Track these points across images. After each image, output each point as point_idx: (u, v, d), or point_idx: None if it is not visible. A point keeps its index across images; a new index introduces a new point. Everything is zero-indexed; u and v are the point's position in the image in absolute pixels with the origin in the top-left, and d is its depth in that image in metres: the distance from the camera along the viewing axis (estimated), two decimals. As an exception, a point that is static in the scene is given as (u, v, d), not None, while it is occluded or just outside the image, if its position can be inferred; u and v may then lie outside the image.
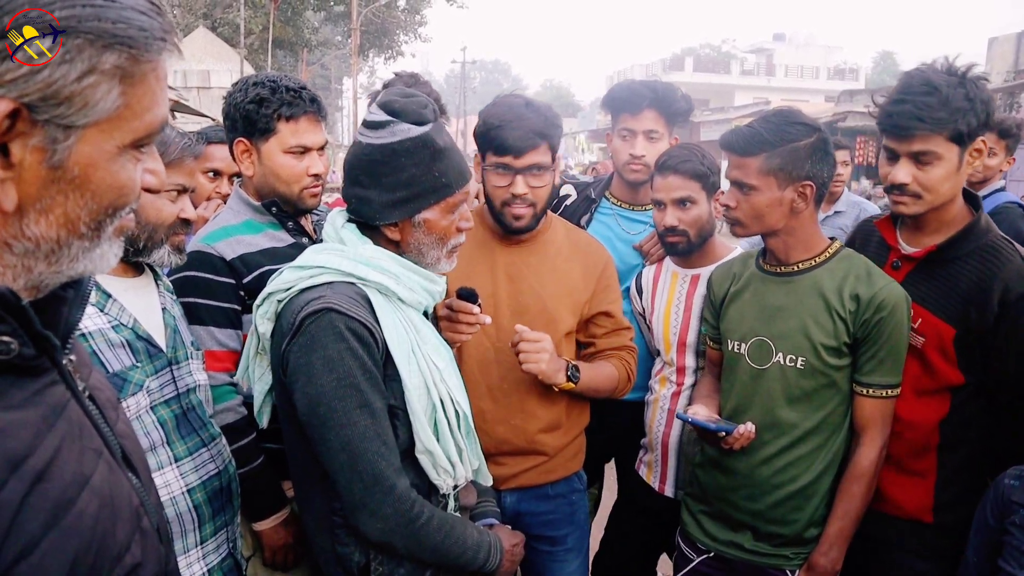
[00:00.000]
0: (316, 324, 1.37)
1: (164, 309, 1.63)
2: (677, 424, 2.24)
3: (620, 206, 2.56)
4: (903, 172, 1.72)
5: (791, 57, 51.99)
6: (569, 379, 1.90)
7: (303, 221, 1.99)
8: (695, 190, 2.13)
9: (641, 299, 2.39)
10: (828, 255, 1.86)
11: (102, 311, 1.47)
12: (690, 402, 2.17)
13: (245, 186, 1.97)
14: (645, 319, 2.39)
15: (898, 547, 1.85)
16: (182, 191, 1.62)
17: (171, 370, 1.57)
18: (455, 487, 1.59)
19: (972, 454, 1.79)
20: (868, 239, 2.00)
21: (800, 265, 1.86)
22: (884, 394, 1.78)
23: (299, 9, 27.42)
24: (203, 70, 18.29)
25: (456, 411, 1.55)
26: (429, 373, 1.49)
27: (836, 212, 4.65)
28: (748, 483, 1.88)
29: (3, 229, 0.67)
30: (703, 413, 1.89)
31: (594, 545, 2.60)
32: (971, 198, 1.83)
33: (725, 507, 1.94)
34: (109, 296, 1.49)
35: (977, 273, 1.71)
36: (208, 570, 1.60)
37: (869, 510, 1.84)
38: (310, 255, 1.51)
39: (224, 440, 1.70)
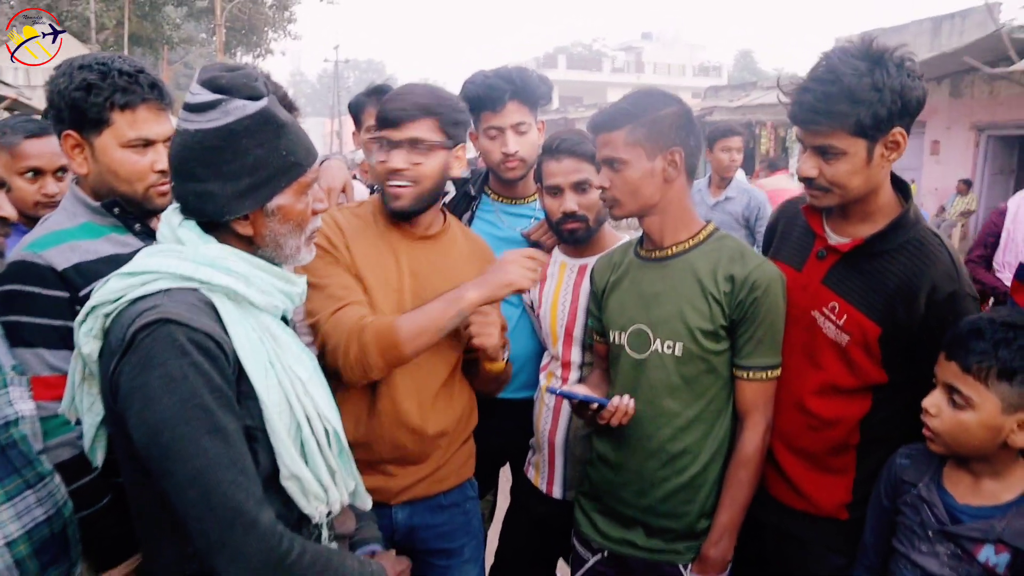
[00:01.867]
0: (151, 338, 1.17)
1: None
2: (564, 421, 2.18)
3: (501, 201, 2.47)
4: (808, 165, 1.66)
5: (659, 55, 54.04)
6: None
7: (153, 222, 1.74)
8: (592, 172, 2.05)
9: (530, 291, 2.31)
10: (702, 237, 1.84)
11: None
12: None
13: (82, 184, 1.72)
14: (534, 311, 2.31)
15: (816, 544, 1.81)
16: None
17: None
18: (328, 514, 1.41)
19: (891, 452, 1.74)
20: (792, 223, 1.92)
21: (675, 248, 1.84)
22: (764, 376, 1.78)
23: (158, 3, 25.87)
24: (48, 67, 16.89)
25: (325, 428, 1.38)
26: (291, 387, 1.32)
27: (727, 198, 4.78)
28: (637, 478, 1.84)
29: None
30: (581, 389, 1.82)
31: (492, 555, 2.51)
32: (901, 186, 1.76)
33: (616, 504, 1.89)
34: None
35: (905, 270, 1.65)
36: None
37: (787, 508, 1.82)
38: (141, 259, 1.30)
39: (56, 479, 1.46)
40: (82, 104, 1.59)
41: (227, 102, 1.27)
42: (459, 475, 2.01)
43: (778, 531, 1.85)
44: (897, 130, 1.59)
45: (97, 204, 1.68)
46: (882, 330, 1.67)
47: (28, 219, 2.24)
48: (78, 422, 1.41)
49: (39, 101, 14.30)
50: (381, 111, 1.82)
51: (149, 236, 1.72)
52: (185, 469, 1.17)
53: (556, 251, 2.30)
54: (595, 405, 1.76)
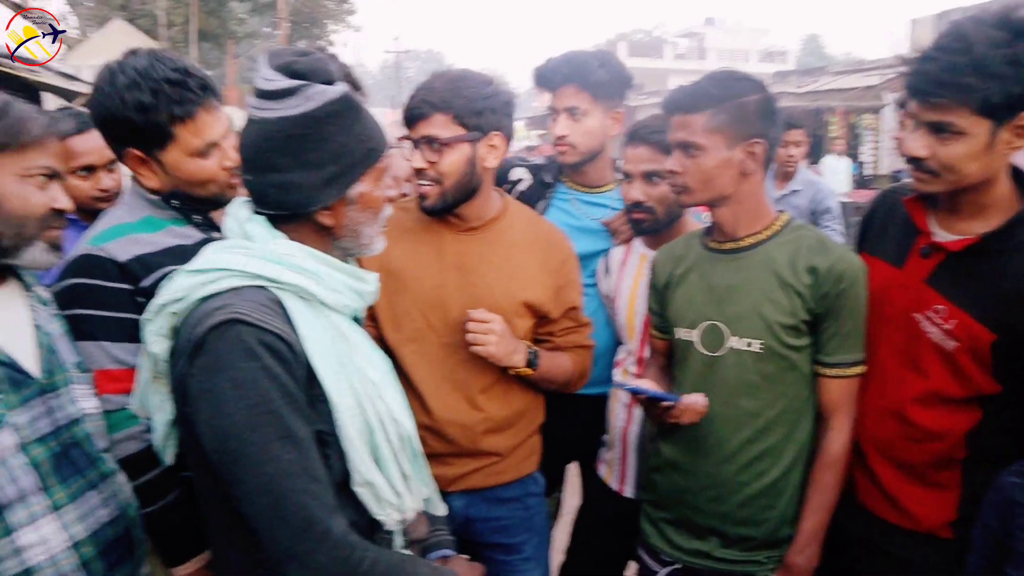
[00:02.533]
0: (221, 340, 1.12)
1: (37, 326, 1.36)
2: (638, 418, 2.09)
3: (578, 189, 2.37)
4: (919, 144, 1.48)
5: (722, 41, 52.85)
6: (529, 363, 1.77)
7: (213, 214, 1.71)
8: (662, 163, 1.94)
9: (608, 281, 2.23)
10: (778, 227, 1.72)
11: None
12: None
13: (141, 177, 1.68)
14: (612, 302, 2.23)
15: (916, 562, 1.65)
16: (51, 176, 1.34)
17: (45, 400, 1.31)
18: (402, 521, 1.35)
19: (1003, 468, 1.56)
20: (891, 215, 1.73)
21: (749, 239, 1.71)
22: (850, 372, 1.66)
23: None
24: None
25: (399, 432, 1.32)
26: (363, 390, 1.26)
27: (793, 191, 4.59)
28: (711, 483, 1.72)
29: None
30: (651, 385, 1.71)
31: (559, 552, 2.44)
32: (1020, 178, 1.56)
33: (688, 512, 1.78)
34: None
35: None
36: None
37: (883, 522, 1.68)
38: (209, 256, 1.25)
39: (122, 479, 1.44)
40: (140, 125, 1.53)
41: (307, 87, 1.20)
42: (520, 469, 1.94)
43: (871, 545, 1.71)
44: None
45: (157, 198, 1.65)
46: (997, 337, 1.50)
47: (88, 214, 2.26)
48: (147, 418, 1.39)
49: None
50: (403, 109, 1.77)
51: (209, 227, 1.70)
52: (255, 477, 1.12)
53: (637, 242, 2.20)
54: (667, 402, 1.65)
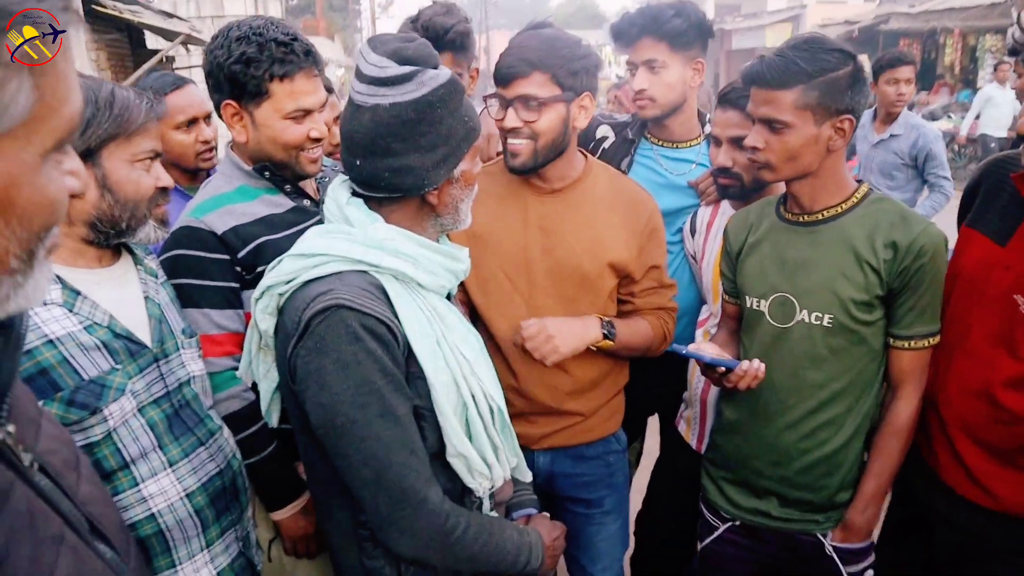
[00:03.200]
0: (326, 324, 1.20)
1: (147, 297, 1.47)
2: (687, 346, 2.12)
3: (662, 145, 2.34)
4: None
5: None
6: (606, 336, 1.79)
7: (303, 183, 1.80)
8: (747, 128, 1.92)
9: (694, 241, 2.22)
10: (856, 200, 1.67)
11: (71, 311, 1.32)
12: None
13: (236, 148, 1.76)
14: (697, 262, 2.23)
15: (999, 542, 1.65)
16: (154, 157, 1.45)
17: (158, 366, 1.43)
18: (491, 488, 1.44)
19: None
20: (999, 188, 1.66)
21: (825, 213, 1.68)
22: (925, 344, 1.65)
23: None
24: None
25: (490, 406, 1.39)
26: (458, 367, 1.33)
27: (892, 135, 4.26)
28: (772, 449, 1.75)
29: None
30: (711, 350, 1.73)
31: (638, 499, 2.55)
32: None
33: (748, 474, 1.82)
34: (78, 294, 1.34)
35: None
36: (218, 573, 1.49)
37: (965, 500, 1.67)
38: (313, 240, 1.32)
39: (226, 433, 1.57)
40: (241, 77, 1.60)
41: (421, 73, 1.25)
42: (604, 428, 1.99)
43: (950, 522, 1.71)
44: None
45: (250, 168, 1.73)
46: None
47: (190, 174, 2.40)
48: (254, 386, 1.52)
49: (209, 33, 15.17)
50: (496, 67, 1.76)
51: (300, 195, 1.78)
52: (359, 451, 1.22)
53: (725, 203, 2.17)
54: (722, 368, 1.67)
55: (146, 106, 1.41)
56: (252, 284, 1.56)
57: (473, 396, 1.35)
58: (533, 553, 1.43)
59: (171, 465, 1.41)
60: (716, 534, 1.93)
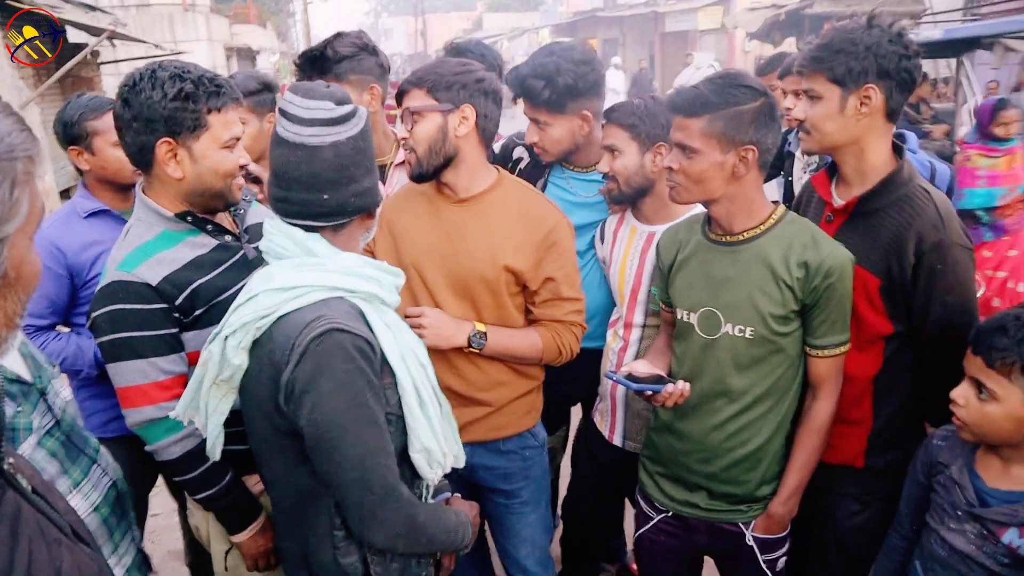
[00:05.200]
0: (323, 346, 1.33)
1: None
2: (622, 368, 2.28)
3: (572, 169, 2.51)
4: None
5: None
6: (471, 344, 1.97)
7: (219, 218, 1.84)
8: (622, 139, 2.19)
9: (603, 247, 2.41)
10: (772, 222, 1.83)
11: None
12: (638, 358, 2.20)
13: (151, 190, 1.74)
14: (607, 267, 2.41)
15: (835, 492, 1.96)
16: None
17: (45, 399, 1.51)
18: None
19: (904, 401, 1.89)
20: (809, 198, 2.04)
21: (745, 234, 1.83)
22: (837, 352, 1.82)
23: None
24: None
25: (441, 403, 1.58)
26: (416, 372, 1.49)
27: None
28: (701, 448, 1.91)
29: None
30: (642, 369, 1.89)
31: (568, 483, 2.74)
32: (898, 149, 1.87)
33: (680, 470, 1.99)
34: None
35: (895, 224, 1.77)
36: (125, 570, 1.62)
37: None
38: (288, 275, 1.41)
39: (103, 451, 1.67)
40: (179, 112, 1.63)
41: (356, 110, 1.45)
42: (518, 425, 2.15)
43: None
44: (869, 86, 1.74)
45: (171, 214, 1.72)
46: (881, 281, 1.80)
47: (124, 193, 2.47)
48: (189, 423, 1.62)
49: (134, 24, 14.72)
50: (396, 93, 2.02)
51: (221, 232, 1.80)
52: (349, 458, 1.37)
53: (630, 214, 2.35)
54: (648, 392, 1.83)
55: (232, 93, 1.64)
56: (191, 326, 1.66)
57: (431, 394, 1.53)
58: (466, 531, 1.62)
59: (76, 485, 1.53)
60: (651, 524, 2.09)
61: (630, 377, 1.84)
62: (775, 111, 1.76)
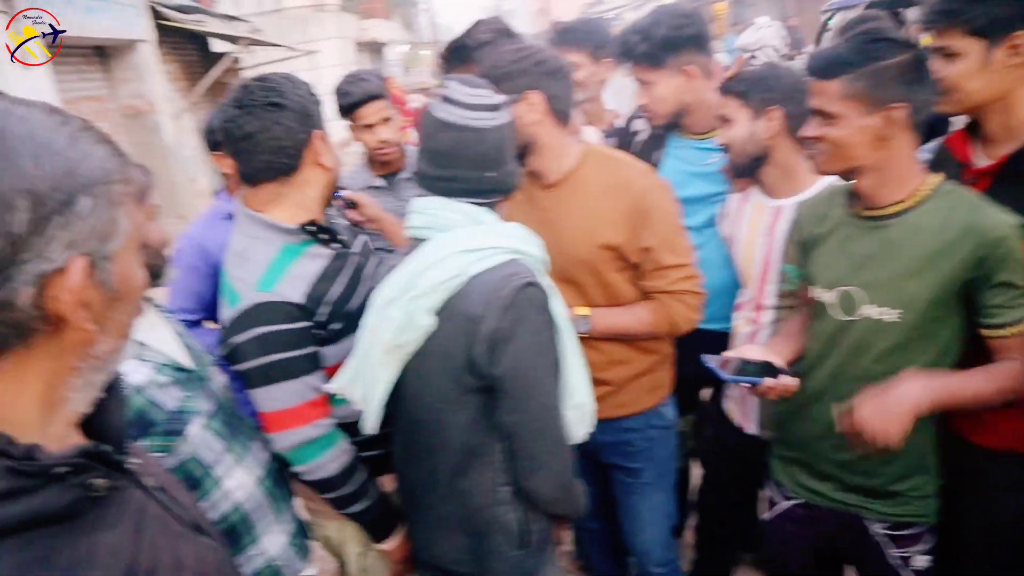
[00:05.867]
0: (522, 298, 1.45)
1: (176, 331, 1.66)
2: (730, 353, 2.18)
3: (687, 137, 2.43)
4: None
5: None
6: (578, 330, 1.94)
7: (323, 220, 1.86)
8: (732, 107, 2.11)
9: (726, 225, 2.31)
10: (926, 193, 1.64)
11: (142, 360, 1.51)
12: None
13: (275, 204, 1.67)
14: (730, 245, 2.31)
15: (997, 482, 1.75)
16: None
17: (205, 384, 1.62)
18: None
19: None
20: (942, 162, 1.81)
21: (892, 208, 1.66)
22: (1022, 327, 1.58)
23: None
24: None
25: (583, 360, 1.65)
26: (566, 324, 1.58)
27: None
28: (832, 434, 1.76)
29: (76, 359, 0.75)
30: (755, 355, 1.78)
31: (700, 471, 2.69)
32: None
33: (809, 457, 1.87)
34: (142, 344, 1.53)
35: None
36: (289, 538, 1.73)
37: (966, 443, 1.75)
38: (470, 239, 1.51)
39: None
40: (317, 107, 1.68)
41: (503, 99, 1.60)
42: (641, 403, 2.13)
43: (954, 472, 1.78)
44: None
45: (294, 226, 1.67)
46: None
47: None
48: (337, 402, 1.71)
49: (271, 31, 15.53)
50: None
51: (332, 242, 1.75)
52: (536, 405, 1.49)
53: (754, 190, 2.23)
54: (747, 385, 1.74)
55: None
56: (328, 341, 1.69)
57: (578, 349, 1.61)
58: (584, 500, 1.69)
59: (240, 461, 1.63)
60: (780, 510, 1.99)
61: (743, 363, 1.75)
62: (924, 65, 1.58)
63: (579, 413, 1.59)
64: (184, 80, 11.02)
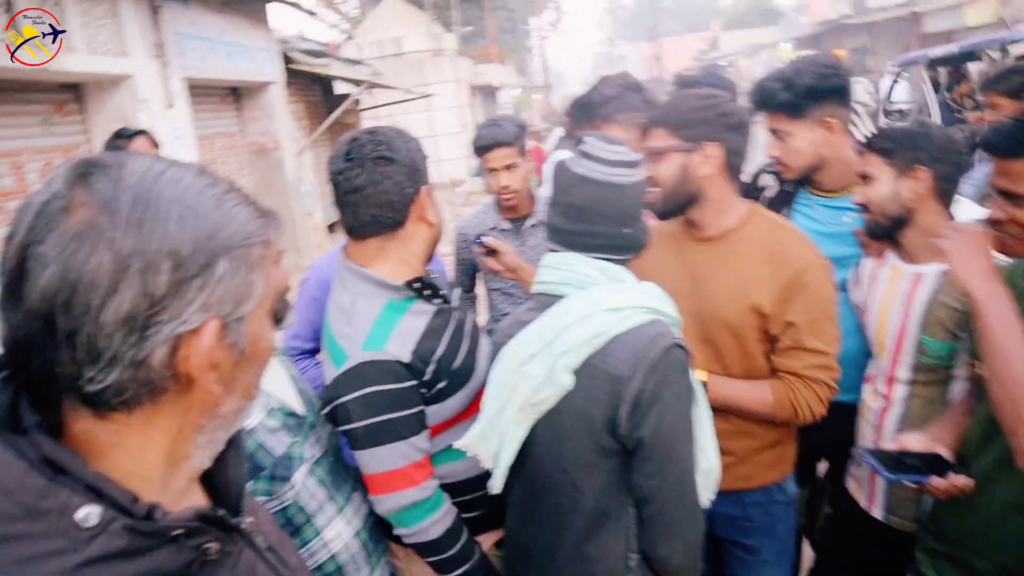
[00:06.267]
0: (667, 360, 1.41)
1: (290, 376, 1.64)
2: (886, 442, 2.00)
3: (818, 194, 2.29)
4: None
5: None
6: None
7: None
8: (876, 165, 1.96)
9: (858, 291, 2.14)
10: None
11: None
12: (902, 423, 1.92)
13: (380, 259, 1.65)
14: (861, 312, 2.14)
15: None
16: None
17: (314, 430, 1.60)
18: None
19: None
20: None
21: None
22: None
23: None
24: (394, 37, 18.92)
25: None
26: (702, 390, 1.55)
27: None
28: (996, 529, 1.57)
29: (201, 418, 0.75)
30: (916, 445, 1.60)
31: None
32: None
33: (968, 554, 1.65)
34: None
35: None
36: None
37: None
38: (613, 297, 1.48)
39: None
40: (425, 161, 1.69)
41: (637, 158, 1.57)
42: (764, 477, 1.99)
43: None
44: None
45: (400, 283, 1.63)
46: None
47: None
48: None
49: (391, 72, 16.22)
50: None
51: (433, 298, 1.70)
52: (675, 471, 1.43)
53: (890, 255, 2.07)
54: (913, 484, 1.55)
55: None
56: (433, 400, 1.65)
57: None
58: None
59: (340, 511, 1.60)
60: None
61: (901, 453, 1.58)
62: None
63: (706, 480, 1.53)
64: (307, 119, 11.60)
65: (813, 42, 30.08)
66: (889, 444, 1.64)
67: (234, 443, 0.84)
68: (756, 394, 1.87)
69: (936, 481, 1.52)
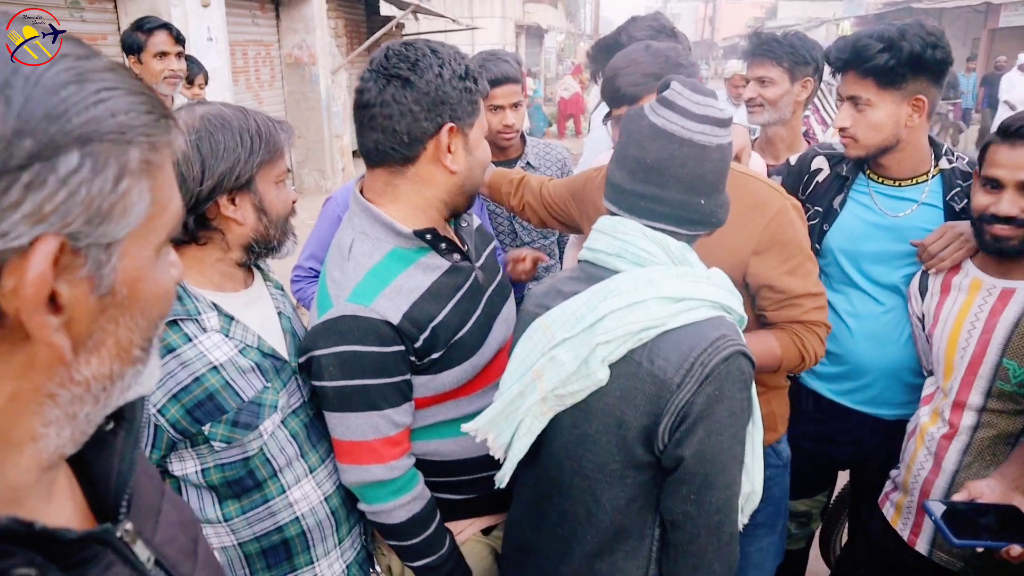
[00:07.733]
0: (726, 370, 1.18)
1: (280, 313, 1.51)
2: (947, 472, 1.77)
3: (880, 182, 2.01)
4: None
5: None
6: None
7: (447, 231, 1.58)
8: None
9: (924, 302, 1.89)
10: None
11: (227, 336, 1.36)
12: (965, 453, 1.72)
13: (389, 198, 1.45)
14: (924, 327, 1.89)
15: None
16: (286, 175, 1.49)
17: (296, 378, 1.47)
18: None
19: None
20: None
21: None
22: None
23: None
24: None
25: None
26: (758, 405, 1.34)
27: None
28: None
29: (47, 382, 0.54)
30: (988, 494, 1.41)
31: (818, 564, 2.36)
32: None
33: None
34: (232, 319, 1.38)
35: None
36: (346, 567, 1.56)
37: None
38: (674, 284, 1.23)
39: None
40: (466, 94, 1.41)
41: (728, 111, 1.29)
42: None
43: None
44: None
45: (409, 230, 1.43)
46: None
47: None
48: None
49: (436, 3, 15.75)
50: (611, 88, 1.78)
51: (452, 249, 1.50)
52: (717, 498, 1.21)
53: (969, 262, 1.81)
54: (980, 549, 1.35)
55: (284, 129, 1.44)
56: (424, 371, 1.44)
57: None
58: None
59: (311, 472, 1.48)
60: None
61: (972, 506, 1.38)
62: None
63: (746, 503, 1.32)
64: (346, 37, 11.25)
65: (876, 23, 28.90)
66: (960, 495, 1.44)
67: (125, 422, 0.67)
68: (762, 346, 1.69)
69: (1015, 550, 1.32)
